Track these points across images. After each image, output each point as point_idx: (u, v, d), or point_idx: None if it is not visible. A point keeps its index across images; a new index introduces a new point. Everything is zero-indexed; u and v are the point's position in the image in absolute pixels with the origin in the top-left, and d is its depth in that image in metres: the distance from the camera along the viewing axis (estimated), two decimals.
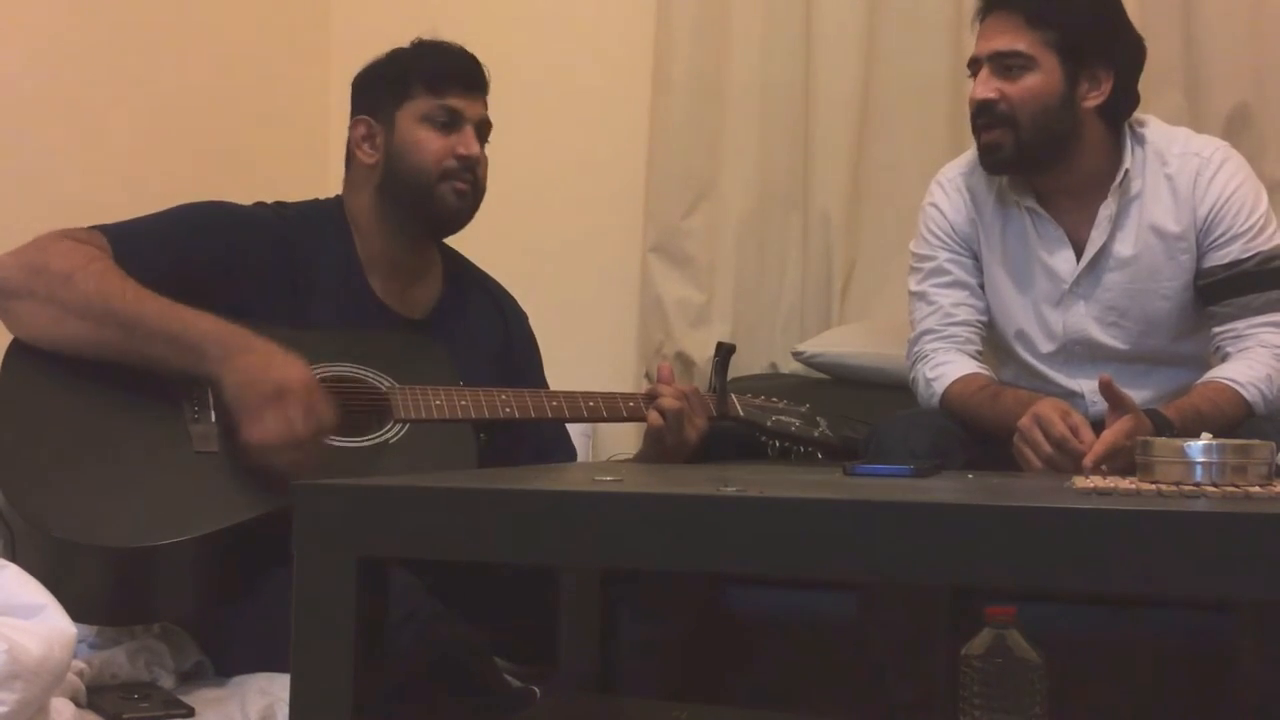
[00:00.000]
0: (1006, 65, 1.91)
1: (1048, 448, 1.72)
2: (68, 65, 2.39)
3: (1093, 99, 1.93)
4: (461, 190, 1.84)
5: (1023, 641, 1.36)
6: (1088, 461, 1.64)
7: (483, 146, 1.87)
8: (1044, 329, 2.02)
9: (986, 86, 1.93)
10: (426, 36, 1.90)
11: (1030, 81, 1.91)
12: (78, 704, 1.38)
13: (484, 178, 1.87)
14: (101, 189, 2.39)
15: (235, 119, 2.80)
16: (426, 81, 1.83)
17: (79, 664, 1.44)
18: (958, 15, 2.68)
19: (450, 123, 1.83)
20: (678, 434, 1.82)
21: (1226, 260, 1.93)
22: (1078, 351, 2.01)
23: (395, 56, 1.89)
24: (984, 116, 1.93)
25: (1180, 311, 1.97)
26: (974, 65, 1.97)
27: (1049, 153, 1.94)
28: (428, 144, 1.82)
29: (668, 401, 1.82)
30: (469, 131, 1.84)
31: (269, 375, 1.56)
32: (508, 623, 1.72)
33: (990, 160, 1.97)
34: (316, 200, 1.91)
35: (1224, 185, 1.93)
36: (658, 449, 1.83)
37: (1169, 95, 2.48)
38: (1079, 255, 1.98)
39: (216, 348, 1.58)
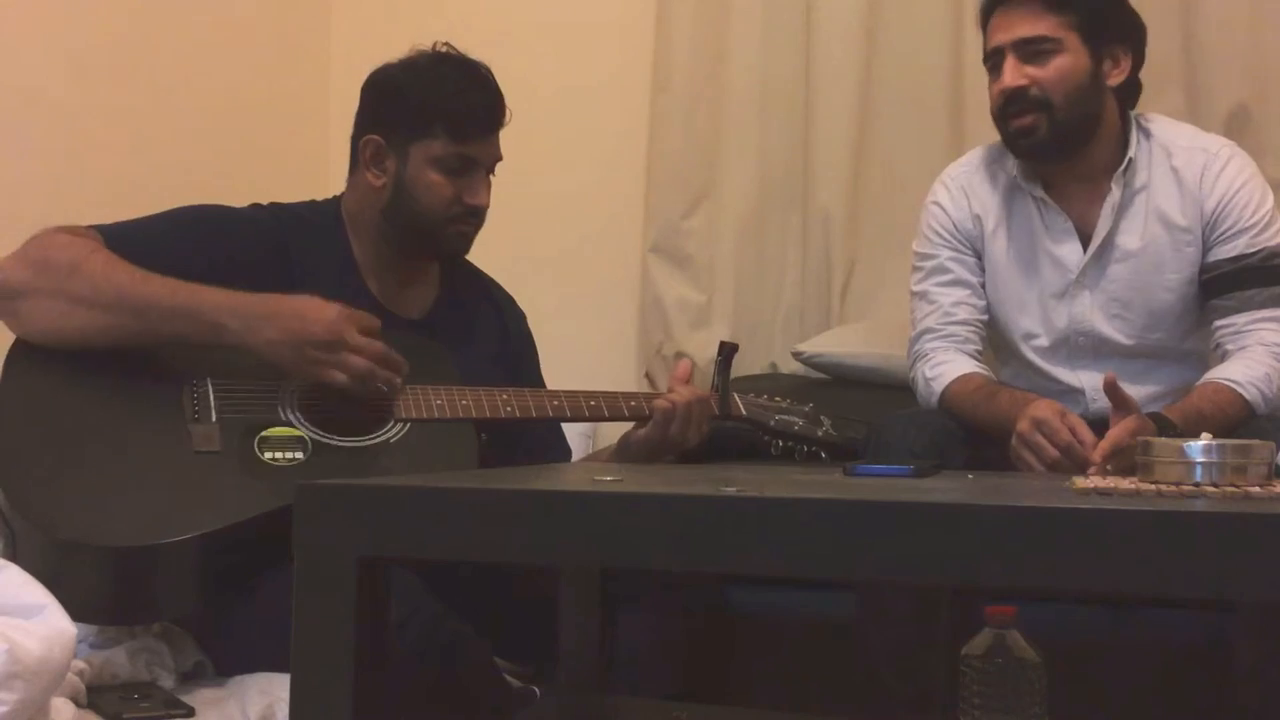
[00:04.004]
0: (1034, 51, 1.92)
1: (1053, 452, 1.72)
2: (67, 66, 2.39)
3: (1115, 76, 1.96)
4: (463, 232, 1.85)
5: (1023, 641, 1.36)
6: (1095, 459, 1.64)
7: (489, 178, 1.86)
8: (1048, 322, 2.02)
9: (1015, 74, 1.92)
10: (447, 49, 1.85)
11: (1060, 63, 1.92)
12: (78, 704, 1.38)
13: (485, 213, 1.86)
14: (101, 190, 2.38)
15: (235, 119, 2.80)
16: (448, 125, 1.79)
17: (79, 664, 1.44)
18: (958, 15, 2.68)
19: (463, 169, 1.81)
20: (682, 429, 1.82)
21: (1232, 254, 1.93)
22: (1081, 344, 2.01)
23: (418, 80, 1.82)
24: (1016, 104, 1.92)
25: (1183, 305, 1.98)
26: (995, 57, 1.96)
27: (1080, 134, 1.95)
28: (439, 189, 1.80)
29: (679, 396, 1.82)
30: (481, 179, 1.83)
31: (311, 327, 1.60)
32: (508, 623, 1.72)
33: (1025, 144, 1.94)
34: (313, 201, 1.91)
35: (1231, 180, 1.94)
36: (659, 433, 1.83)
37: (1169, 95, 2.48)
38: (1085, 247, 1.99)
39: (234, 319, 1.60)
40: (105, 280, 1.60)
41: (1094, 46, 1.94)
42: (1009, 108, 1.94)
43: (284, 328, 1.60)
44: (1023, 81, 1.92)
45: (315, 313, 1.62)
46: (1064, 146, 1.95)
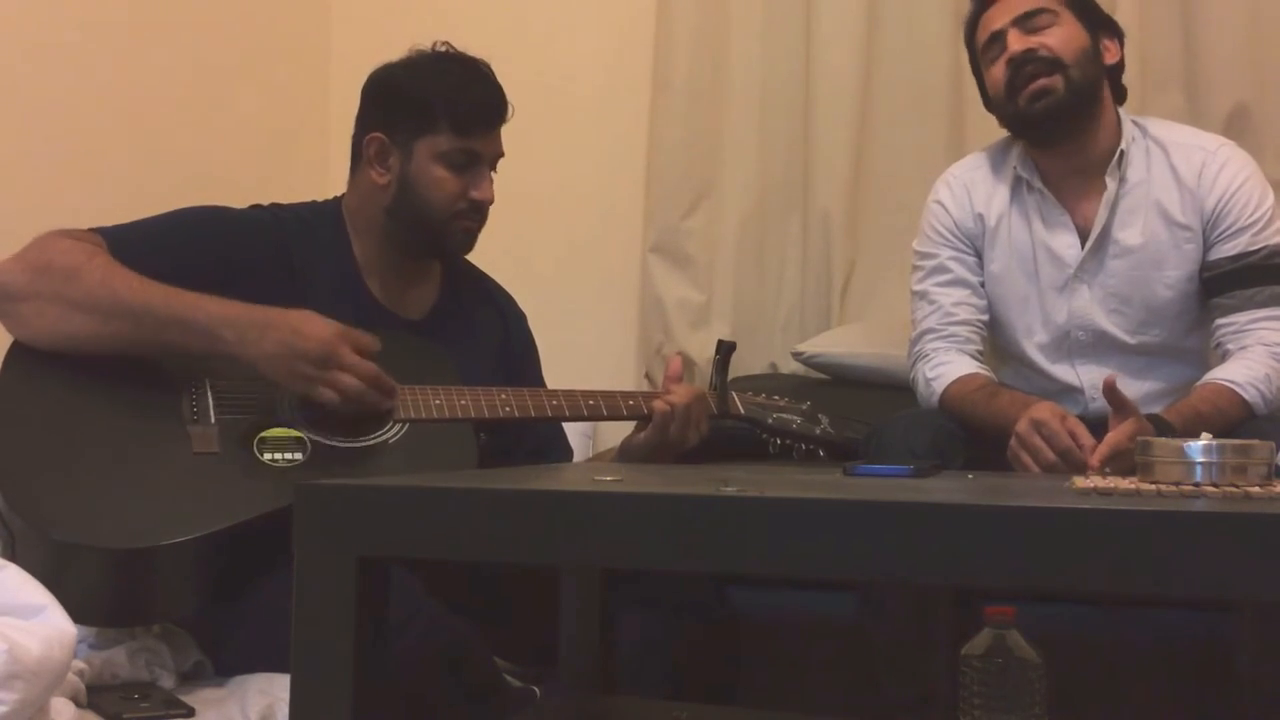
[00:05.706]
0: (1034, 25, 1.96)
1: (1050, 456, 1.72)
2: (67, 67, 2.39)
3: (1110, 55, 2.00)
4: (469, 229, 1.85)
5: (1023, 641, 1.36)
6: (1093, 463, 1.64)
7: (492, 174, 1.86)
8: (1048, 317, 2.02)
9: (1021, 41, 1.95)
10: (446, 48, 1.85)
11: (1061, 30, 1.96)
12: (78, 704, 1.38)
13: (489, 209, 1.87)
14: (101, 192, 2.38)
15: (235, 119, 2.80)
16: (452, 120, 1.79)
17: (79, 664, 1.44)
18: (957, 16, 2.68)
19: (468, 163, 1.81)
20: (681, 430, 1.82)
21: (1233, 252, 1.94)
22: (1081, 339, 2.01)
23: (420, 76, 1.82)
24: (1031, 64, 1.94)
25: (1183, 302, 1.98)
26: (995, 43, 1.99)
27: (1089, 103, 1.96)
28: (444, 185, 1.80)
29: (677, 397, 1.82)
30: (485, 173, 1.83)
31: (305, 343, 1.59)
32: (508, 623, 1.72)
33: (1042, 105, 1.94)
34: (314, 202, 1.91)
35: (1232, 178, 1.95)
36: (659, 437, 1.83)
37: (1169, 95, 2.48)
38: (1084, 242, 1.99)
39: (229, 329, 1.60)
40: (103, 286, 1.60)
41: (1087, 24, 1.98)
42: (1021, 72, 1.94)
43: (279, 341, 1.59)
44: (1031, 44, 1.94)
45: (311, 328, 1.61)
46: (1077, 113, 1.95)
